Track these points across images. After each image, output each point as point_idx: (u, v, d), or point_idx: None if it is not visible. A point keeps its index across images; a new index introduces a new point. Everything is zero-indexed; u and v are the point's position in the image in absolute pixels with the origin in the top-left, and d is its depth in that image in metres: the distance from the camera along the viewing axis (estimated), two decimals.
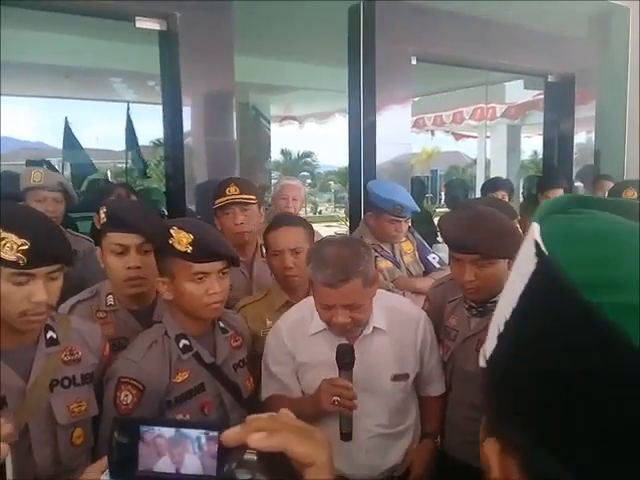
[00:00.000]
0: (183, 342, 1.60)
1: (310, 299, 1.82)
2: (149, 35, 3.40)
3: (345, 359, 1.59)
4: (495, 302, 1.81)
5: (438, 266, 2.96)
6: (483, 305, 1.82)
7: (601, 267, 0.33)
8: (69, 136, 7.35)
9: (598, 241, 0.35)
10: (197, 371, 1.61)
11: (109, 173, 11.60)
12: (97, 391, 1.50)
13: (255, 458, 0.48)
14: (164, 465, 0.54)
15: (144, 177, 7.65)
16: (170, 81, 3.45)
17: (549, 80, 5.20)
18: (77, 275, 2.45)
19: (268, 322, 2.00)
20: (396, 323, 1.76)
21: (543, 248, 0.35)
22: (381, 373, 1.74)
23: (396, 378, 1.76)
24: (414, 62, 4.04)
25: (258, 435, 0.50)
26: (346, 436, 1.56)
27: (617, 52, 5.44)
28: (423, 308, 2.09)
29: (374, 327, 1.74)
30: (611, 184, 4.68)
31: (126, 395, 1.50)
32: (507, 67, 5.02)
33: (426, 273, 2.93)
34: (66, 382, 1.40)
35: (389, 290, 2.53)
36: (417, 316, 1.84)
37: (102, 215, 1.83)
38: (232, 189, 2.49)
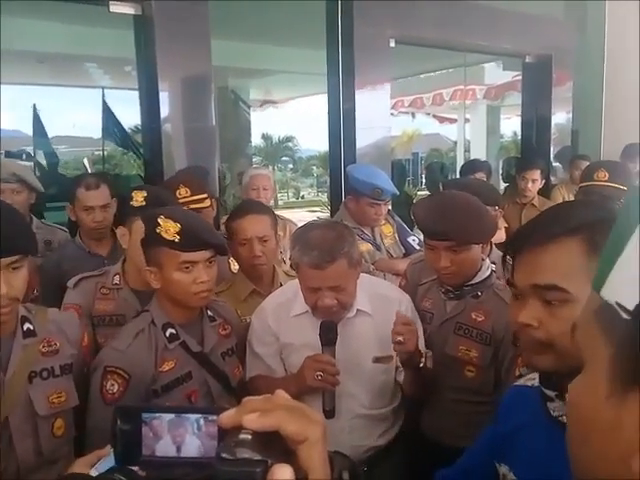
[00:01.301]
0: (170, 331, 1.60)
1: (293, 283, 1.83)
2: (124, 19, 3.34)
3: (328, 335, 1.61)
4: (471, 285, 1.84)
5: (418, 248, 2.98)
6: (460, 288, 1.84)
7: None
8: (38, 124, 7.22)
9: None
10: (184, 360, 1.61)
11: (86, 161, 11.44)
12: (77, 382, 1.49)
13: (250, 437, 0.50)
14: (166, 449, 0.57)
15: (140, 159, 7.54)
16: (146, 66, 3.40)
17: (527, 61, 5.23)
18: (53, 265, 2.44)
19: (238, 311, 1.99)
20: (379, 305, 1.78)
21: None
22: (363, 355, 1.76)
23: (378, 360, 1.77)
24: (393, 45, 4.04)
25: (252, 415, 0.51)
26: (329, 413, 1.58)
27: (594, 33, 5.47)
28: (399, 286, 2.11)
29: (358, 309, 1.76)
30: (587, 164, 4.74)
31: (112, 384, 1.50)
32: (485, 48, 5.04)
33: (406, 255, 2.96)
34: (45, 373, 1.39)
35: (369, 272, 2.55)
36: (399, 298, 1.85)
37: (140, 199, 1.91)
38: (182, 191, 2.48)
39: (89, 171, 9.43)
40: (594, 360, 0.46)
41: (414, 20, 4.14)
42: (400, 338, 1.57)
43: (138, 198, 1.93)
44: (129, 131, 7.04)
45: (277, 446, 0.51)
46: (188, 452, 0.56)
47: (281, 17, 5.15)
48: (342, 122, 4.02)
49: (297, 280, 1.75)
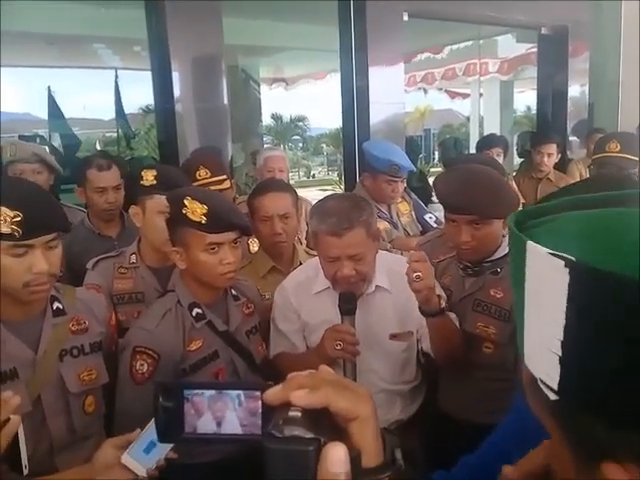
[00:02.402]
0: (196, 311, 1.62)
1: (313, 261, 1.84)
2: None
3: (347, 305, 1.62)
4: (491, 261, 1.83)
5: (435, 225, 2.98)
6: (479, 265, 1.84)
7: (617, 254, 0.35)
8: (53, 106, 7.20)
9: (601, 232, 0.37)
10: (210, 339, 1.63)
11: (98, 143, 11.45)
12: (106, 360, 1.52)
13: (300, 415, 0.49)
14: (207, 425, 0.56)
15: (128, 147, 7.57)
16: (158, 46, 3.38)
17: (542, 33, 5.13)
18: (64, 247, 2.45)
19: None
20: (398, 282, 1.77)
21: (566, 257, 0.35)
22: (383, 331, 1.76)
23: (395, 337, 1.79)
24: (406, 18, 3.97)
25: (300, 392, 0.50)
26: None
27: (610, 3, 5.34)
28: None
29: (377, 286, 1.76)
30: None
31: (142, 364, 1.52)
32: (500, 20, 4.94)
33: (423, 233, 2.94)
34: (75, 351, 1.42)
35: (387, 250, 2.55)
36: None
37: (151, 178, 1.94)
38: (202, 172, 2.49)
39: None
40: (550, 429, 0.43)
41: None
42: (418, 273, 1.53)
43: (148, 177, 1.95)
44: (140, 112, 7.04)
45: (327, 424, 0.50)
46: (229, 428, 0.55)
47: None
48: (355, 99, 3.98)
49: (317, 258, 1.76)
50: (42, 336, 1.36)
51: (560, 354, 0.36)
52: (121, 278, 1.99)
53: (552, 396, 0.38)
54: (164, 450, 1.17)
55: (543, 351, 0.38)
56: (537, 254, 0.38)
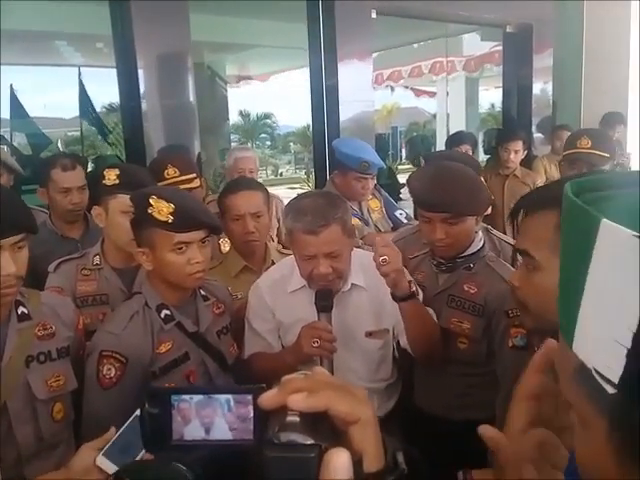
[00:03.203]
0: (164, 312, 1.58)
1: (288, 259, 1.82)
2: None
3: (323, 301, 1.61)
4: (464, 257, 1.85)
5: (405, 222, 2.99)
6: (452, 261, 1.85)
7: None
8: (16, 105, 6.97)
9: None
10: (180, 340, 1.60)
11: (60, 142, 11.17)
12: (74, 365, 1.48)
13: (298, 420, 0.47)
14: (196, 431, 0.54)
15: (107, 142, 7.38)
16: (123, 42, 3.30)
17: (507, 31, 5.21)
18: None
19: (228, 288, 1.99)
20: (373, 279, 1.77)
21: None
22: (360, 329, 1.76)
23: (374, 334, 1.78)
24: (374, 15, 3.98)
25: (298, 396, 0.48)
26: None
27: (573, 2, 5.46)
28: None
29: (352, 284, 1.75)
30: (569, 134, 4.76)
31: (109, 369, 1.48)
32: (466, 18, 5.00)
33: (394, 229, 2.96)
34: (42, 357, 1.38)
35: (359, 247, 2.54)
36: None
37: (113, 177, 1.90)
38: (171, 171, 2.44)
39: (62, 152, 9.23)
40: (589, 425, 0.40)
41: None
42: (384, 257, 1.53)
43: (111, 176, 1.92)
44: (104, 110, 6.87)
45: (326, 428, 0.48)
46: (218, 435, 0.54)
47: None
48: (325, 97, 3.97)
49: (292, 257, 1.74)
50: (7, 342, 1.32)
51: (629, 346, 0.34)
52: (84, 280, 1.95)
53: (610, 389, 0.36)
54: (138, 451, 1.14)
55: (606, 341, 0.35)
56: (614, 234, 0.35)
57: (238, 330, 1.84)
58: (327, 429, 0.48)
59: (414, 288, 1.64)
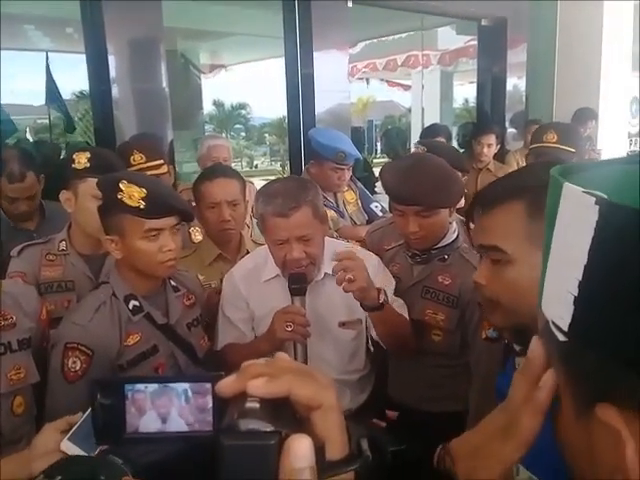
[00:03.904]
0: (133, 303, 1.54)
1: (262, 249, 1.80)
2: None
3: (296, 284, 1.59)
4: (438, 249, 1.84)
5: (381, 214, 2.99)
6: (427, 252, 1.84)
7: None
8: None
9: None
10: (149, 332, 1.56)
11: (28, 130, 10.88)
12: (37, 357, 1.42)
13: (258, 406, 0.44)
14: (152, 423, 0.51)
15: (72, 131, 7.20)
16: (92, 28, 3.21)
17: (482, 24, 5.23)
18: None
19: (200, 277, 1.96)
20: None
21: (598, 194, 0.35)
22: (333, 319, 1.75)
23: (346, 325, 1.77)
24: (350, 4, 3.95)
25: (258, 381, 0.45)
26: None
27: None
28: None
29: (325, 273, 1.73)
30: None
31: (74, 361, 1.43)
32: (442, 10, 5.00)
33: (369, 222, 2.95)
34: (1, 348, 1.32)
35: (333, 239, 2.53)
36: (367, 260, 1.83)
37: (84, 160, 1.86)
38: (137, 157, 2.39)
39: (30, 140, 8.98)
40: (559, 381, 0.43)
41: None
42: (350, 276, 1.51)
43: (81, 160, 1.88)
44: (74, 97, 6.70)
45: (287, 415, 0.45)
46: (175, 426, 0.51)
47: None
48: (300, 87, 3.93)
49: (266, 246, 1.72)
50: None
51: (576, 294, 0.36)
52: (49, 265, 1.90)
53: (561, 337, 0.38)
54: None
55: (559, 293, 0.38)
56: (571, 194, 0.37)
57: (209, 320, 1.81)
58: (289, 416, 0.46)
59: (383, 298, 1.61)
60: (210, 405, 0.50)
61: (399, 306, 1.79)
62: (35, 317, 1.45)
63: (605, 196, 0.35)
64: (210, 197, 2.03)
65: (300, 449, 0.42)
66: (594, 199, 0.35)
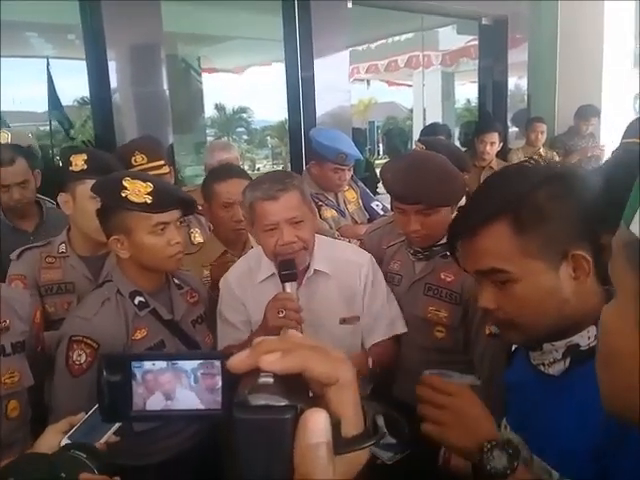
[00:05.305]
0: (138, 299, 1.55)
1: (254, 251, 1.80)
2: None
3: (286, 270, 1.58)
4: (440, 245, 1.83)
5: (382, 213, 2.98)
6: (429, 249, 1.83)
7: None
8: None
9: None
10: (155, 328, 1.57)
11: (31, 137, 10.89)
12: (31, 361, 1.42)
13: (272, 381, 0.42)
14: (158, 402, 0.50)
15: (70, 139, 7.23)
16: (93, 33, 3.22)
17: (483, 23, 5.23)
18: None
19: (205, 272, 1.97)
20: (340, 268, 1.76)
21: None
22: (328, 316, 1.74)
23: (345, 321, 1.77)
24: (350, 5, 3.95)
25: (272, 356, 0.43)
26: None
27: None
28: None
29: (315, 270, 1.73)
30: (544, 126, 4.81)
31: (79, 354, 1.43)
32: (443, 10, 4.99)
33: (370, 220, 2.94)
34: None
35: (335, 238, 2.53)
36: (360, 261, 1.82)
37: (80, 162, 1.86)
38: (138, 158, 2.38)
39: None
40: (623, 290, 0.46)
41: None
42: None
43: (78, 162, 1.89)
44: (76, 104, 6.71)
45: (301, 391, 0.44)
46: (183, 404, 0.49)
47: None
48: (301, 90, 3.93)
49: (257, 248, 1.73)
50: None
51: None
52: (49, 268, 1.92)
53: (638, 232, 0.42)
54: (104, 433, 1.12)
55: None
56: None
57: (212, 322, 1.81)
58: (303, 392, 0.44)
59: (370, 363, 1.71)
60: (219, 383, 0.49)
61: (388, 324, 1.82)
62: (29, 321, 1.45)
63: None
64: (224, 196, 2.06)
65: (317, 424, 0.41)
66: None
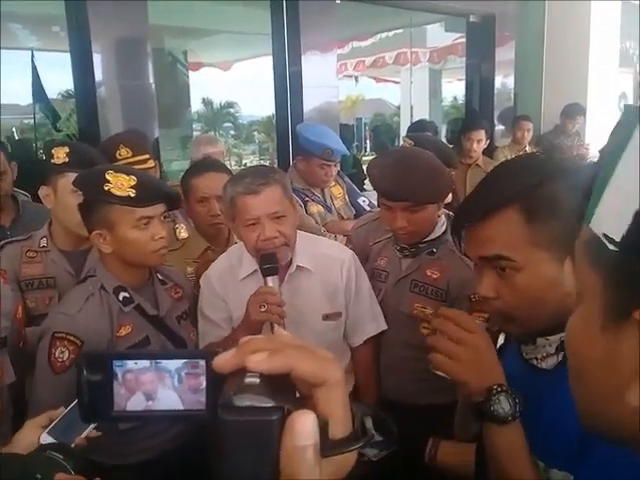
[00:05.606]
0: (123, 294, 1.53)
1: (235, 248, 1.79)
2: None
3: (267, 264, 1.57)
4: (427, 242, 1.83)
5: (368, 209, 2.98)
6: (415, 246, 1.83)
7: None
8: None
9: None
10: (140, 324, 1.55)
11: (15, 130, 10.75)
12: (13, 357, 1.38)
13: (258, 381, 0.41)
14: (141, 402, 0.48)
15: (57, 131, 7.14)
16: (77, 25, 3.18)
17: (471, 20, 5.24)
18: None
19: (189, 269, 1.96)
20: (322, 264, 1.75)
21: None
22: (310, 312, 1.73)
23: (328, 317, 1.76)
24: (338, 1, 3.94)
25: (259, 356, 0.42)
26: None
27: None
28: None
29: (297, 266, 1.72)
30: (530, 124, 4.84)
31: (62, 351, 1.41)
32: (431, 6, 5.00)
33: (357, 216, 2.94)
34: None
35: (321, 234, 2.52)
36: (342, 257, 1.81)
37: (62, 155, 1.83)
38: (123, 151, 2.34)
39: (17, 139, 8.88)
40: (587, 293, 0.45)
41: None
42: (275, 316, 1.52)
43: (60, 155, 1.85)
44: (60, 97, 6.62)
45: (287, 392, 0.43)
46: (166, 404, 0.48)
47: None
48: (289, 85, 3.91)
49: (239, 244, 1.71)
50: None
51: (638, 208, 0.38)
52: (30, 262, 1.88)
53: (612, 247, 0.40)
54: (85, 428, 1.11)
55: (620, 208, 0.40)
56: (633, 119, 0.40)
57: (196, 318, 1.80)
58: (290, 393, 0.43)
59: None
60: (204, 384, 0.48)
61: (373, 322, 1.83)
62: (10, 316, 1.42)
63: None
64: (200, 191, 2.04)
65: (304, 426, 0.40)
66: None
